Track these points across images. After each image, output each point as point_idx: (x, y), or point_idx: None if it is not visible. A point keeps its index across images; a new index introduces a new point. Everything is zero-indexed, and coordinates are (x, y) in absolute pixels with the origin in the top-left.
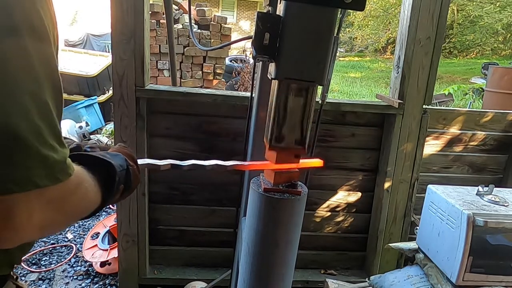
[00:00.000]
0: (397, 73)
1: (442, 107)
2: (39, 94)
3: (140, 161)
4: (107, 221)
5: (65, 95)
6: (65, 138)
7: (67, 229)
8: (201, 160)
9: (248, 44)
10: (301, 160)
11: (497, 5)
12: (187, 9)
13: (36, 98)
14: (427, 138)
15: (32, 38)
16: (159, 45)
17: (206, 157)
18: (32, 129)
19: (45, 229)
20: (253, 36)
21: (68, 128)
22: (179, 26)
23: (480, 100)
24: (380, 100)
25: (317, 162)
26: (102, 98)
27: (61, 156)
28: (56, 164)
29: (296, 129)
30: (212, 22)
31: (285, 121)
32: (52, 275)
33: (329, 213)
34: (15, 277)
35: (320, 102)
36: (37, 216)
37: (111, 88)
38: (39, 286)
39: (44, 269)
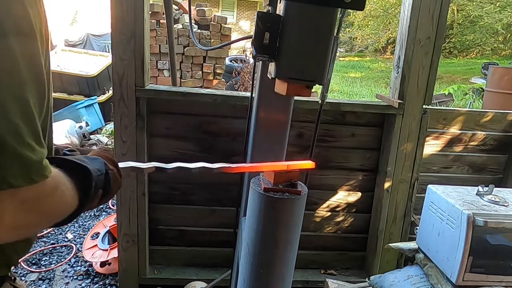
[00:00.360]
0: (397, 73)
1: (442, 107)
2: (21, 93)
3: (122, 164)
4: (107, 221)
5: (65, 95)
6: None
7: (67, 229)
8: (188, 163)
9: (248, 44)
10: (292, 162)
11: (497, 5)
12: (187, 9)
13: (17, 96)
14: (427, 138)
15: (16, 37)
16: (159, 45)
17: (206, 157)
18: (10, 128)
19: (18, 230)
20: (253, 36)
21: (68, 128)
22: (179, 26)
23: (480, 100)
24: (380, 100)
25: (308, 164)
26: (102, 98)
27: (39, 156)
28: (32, 164)
29: None
30: (212, 22)
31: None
32: (52, 275)
33: (329, 213)
34: (13, 278)
35: (319, 102)
36: (9, 217)
37: (111, 88)
38: (39, 286)
39: (44, 269)
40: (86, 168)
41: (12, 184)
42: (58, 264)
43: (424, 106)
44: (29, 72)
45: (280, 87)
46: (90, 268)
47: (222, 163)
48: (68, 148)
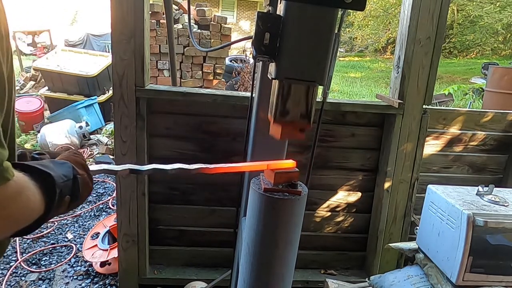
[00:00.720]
0: (397, 73)
1: (442, 107)
2: None
3: (94, 167)
4: (107, 221)
5: (65, 95)
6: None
7: (67, 229)
8: (164, 165)
9: (248, 44)
10: (272, 162)
11: (497, 5)
12: (187, 9)
13: None
14: (427, 138)
15: None
16: (159, 45)
17: (206, 157)
18: None
19: None
20: (253, 36)
21: (68, 128)
22: (179, 26)
23: (480, 100)
24: (380, 100)
25: (289, 163)
26: (102, 98)
27: None
28: None
29: (301, 103)
30: (212, 22)
31: (290, 95)
32: (52, 275)
33: (329, 213)
34: None
35: (321, 98)
36: None
37: (111, 88)
38: (39, 286)
39: (44, 269)
40: (49, 175)
41: None
42: (58, 264)
43: (424, 106)
44: None
45: (275, 130)
46: (90, 268)
47: (200, 164)
48: (37, 152)
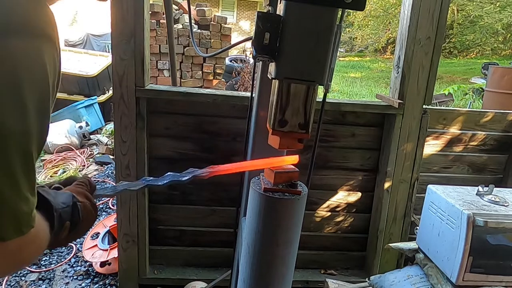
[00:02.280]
0: (397, 73)
1: (442, 107)
2: (27, 148)
3: (110, 190)
4: (107, 221)
5: (65, 95)
6: None
7: None
8: (157, 178)
9: (248, 44)
10: (276, 158)
11: (497, 5)
12: (187, 9)
13: (23, 151)
14: (427, 138)
15: (32, 97)
16: (159, 45)
17: (206, 157)
18: (11, 182)
19: None
20: (253, 36)
21: (68, 128)
22: (179, 26)
23: (480, 100)
24: (380, 100)
25: (292, 158)
26: (102, 98)
27: (30, 208)
28: (24, 217)
29: (299, 113)
30: (212, 22)
31: (288, 105)
32: (52, 275)
33: (329, 213)
34: None
35: (323, 91)
36: None
37: (111, 88)
38: (39, 286)
39: (44, 269)
40: (47, 200)
41: (4, 238)
42: (58, 264)
43: (424, 106)
44: (37, 126)
45: (273, 140)
46: (90, 268)
47: (210, 167)
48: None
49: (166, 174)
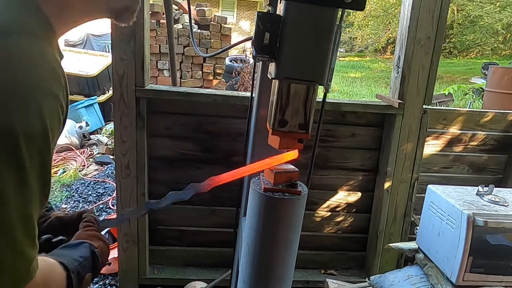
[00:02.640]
0: (397, 73)
1: (442, 107)
2: (28, 211)
3: (112, 221)
4: None
5: None
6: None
7: None
8: (179, 192)
9: (248, 44)
10: (275, 157)
11: (497, 5)
12: (187, 9)
13: (24, 215)
14: (427, 138)
15: (32, 154)
16: (159, 45)
17: (206, 157)
18: (12, 245)
19: None
20: (253, 36)
21: (68, 128)
22: (179, 26)
23: (480, 100)
24: (380, 100)
25: (292, 154)
26: (102, 98)
27: (29, 261)
28: (22, 272)
29: (299, 113)
30: (212, 22)
31: (288, 105)
32: None
33: (329, 213)
34: None
35: (323, 91)
36: None
37: (111, 88)
38: None
39: None
40: (61, 263)
41: None
42: None
43: (424, 106)
44: (38, 185)
45: (273, 140)
46: None
47: (210, 179)
48: (45, 208)
49: (168, 194)
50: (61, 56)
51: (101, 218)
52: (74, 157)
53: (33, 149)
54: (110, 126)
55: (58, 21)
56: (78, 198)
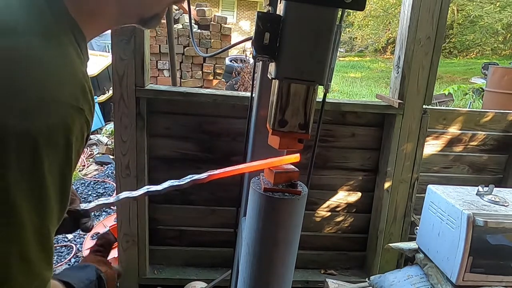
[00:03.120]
0: (397, 73)
1: (442, 107)
2: (44, 225)
3: (91, 205)
4: (107, 221)
5: None
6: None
7: None
8: (156, 185)
9: (248, 44)
10: (276, 158)
11: (497, 5)
12: (187, 9)
13: (40, 231)
14: (427, 138)
15: (54, 179)
16: (159, 45)
17: (206, 157)
18: (27, 268)
19: None
20: (253, 36)
21: None
22: (179, 26)
23: (480, 100)
24: (380, 100)
25: (294, 157)
26: (102, 98)
27: (44, 282)
28: None
29: (299, 113)
30: (212, 22)
31: (288, 105)
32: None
33: (329, 213)
34: None
35: (323, 91)
36: None
37: (111, 88)
38: None
39: None
40: (68, 284)
41: None
42: (58, 264)
43: (424, 106)
44: (57, 201)
45: (273, 141)
46: None
47: (209, 171)
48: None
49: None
50: (88, 58)
51: (101, 218)
52: None
53: (53, 158)
54: (110, 126)
55: (87, 26)
56: None
